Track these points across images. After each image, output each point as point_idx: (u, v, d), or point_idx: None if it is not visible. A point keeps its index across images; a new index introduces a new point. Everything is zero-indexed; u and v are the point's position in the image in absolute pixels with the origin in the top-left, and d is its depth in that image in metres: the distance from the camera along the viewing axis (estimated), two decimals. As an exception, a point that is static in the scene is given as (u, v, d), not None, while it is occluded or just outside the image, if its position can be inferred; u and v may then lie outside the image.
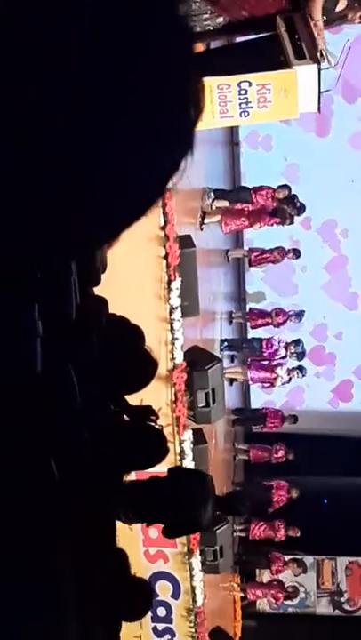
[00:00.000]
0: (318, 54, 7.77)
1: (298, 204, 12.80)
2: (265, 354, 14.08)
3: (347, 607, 16.92)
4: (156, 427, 4.08)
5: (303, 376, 14.43)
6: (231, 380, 14.33)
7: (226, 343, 13.74)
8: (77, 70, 0.77)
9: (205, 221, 11.43)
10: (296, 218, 13.13)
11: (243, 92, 7.74)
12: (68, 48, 0.77)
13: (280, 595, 14.80)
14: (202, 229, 11.27)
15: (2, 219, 0.82)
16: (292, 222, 12.98)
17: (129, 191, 0.87)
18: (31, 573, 1.58)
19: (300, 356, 14.30)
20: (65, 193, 0.81)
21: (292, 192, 12.80)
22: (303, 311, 14.41)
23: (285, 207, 12.55)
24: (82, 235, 0.88)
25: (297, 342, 14.09)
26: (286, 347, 13.90)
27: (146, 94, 0.82)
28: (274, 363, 14.09)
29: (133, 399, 8.32)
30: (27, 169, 0.79)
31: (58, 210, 0.83)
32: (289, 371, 14.10)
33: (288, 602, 15.80)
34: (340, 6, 8.01)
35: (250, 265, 14.53)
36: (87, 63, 0.78)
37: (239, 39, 9.15)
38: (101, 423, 3.51)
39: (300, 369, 14.23)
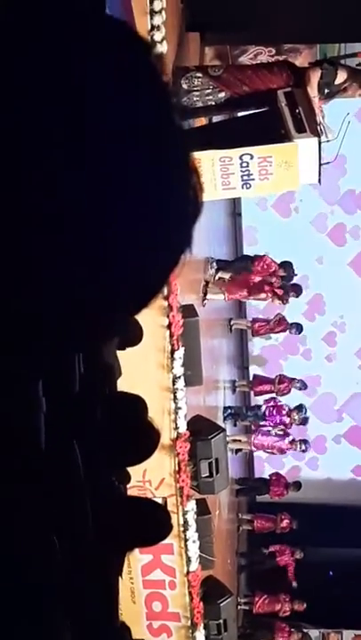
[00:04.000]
0: (318, 128, 7.93)
1: (296, 287, 12.96)
2: (268, 421, 14.00)
3: None
4: (159, 501, 4.05)
5: (305, 451, 14.37)
6: (236, 451, 14.26)
7: (230, 410, 13.70)
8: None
9: (208, 297, 11.50)
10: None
11: (245, 164, 7.87)
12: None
13: None
14: (204, 305, 11.33)
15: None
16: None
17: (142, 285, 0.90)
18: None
19: (304, 421, 14.23)
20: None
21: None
22: (305, 384, 14.41)
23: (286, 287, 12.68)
24: (94, 323, 0.90)
25: (300, 408, 14.02)
26: (289, 413, 13.83)
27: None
28: (278, 431, 14.01)
29: (136, 470, 8.31)
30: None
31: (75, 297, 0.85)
32: (291, 443, 14.03)
33: None
34: (340, 79, 8.20)
35: (253, 335, 14.56)
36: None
37: (241, 113, 9.35)
38: (105, 499, 3.50)
39: (305, 442, 14.17)
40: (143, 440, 3.60)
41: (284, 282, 12.73)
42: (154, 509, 3.84)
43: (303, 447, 14.19)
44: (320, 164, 7.98)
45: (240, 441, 13.97)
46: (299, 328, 14.01)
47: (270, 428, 14.03)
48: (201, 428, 9.04)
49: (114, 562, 3.61)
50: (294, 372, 14.87)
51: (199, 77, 7.97)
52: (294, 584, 14.60)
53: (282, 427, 13.99)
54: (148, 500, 3.93)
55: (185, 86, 7.91)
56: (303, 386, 14.20)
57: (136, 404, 3.79)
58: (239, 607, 14.22)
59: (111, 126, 0.81)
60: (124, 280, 0.87)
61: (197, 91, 7.97)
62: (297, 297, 13.05)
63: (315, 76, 7.92)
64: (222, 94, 7.87)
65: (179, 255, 0.92)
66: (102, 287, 0.85)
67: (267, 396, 14.27)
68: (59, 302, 0.84)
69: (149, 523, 3.64)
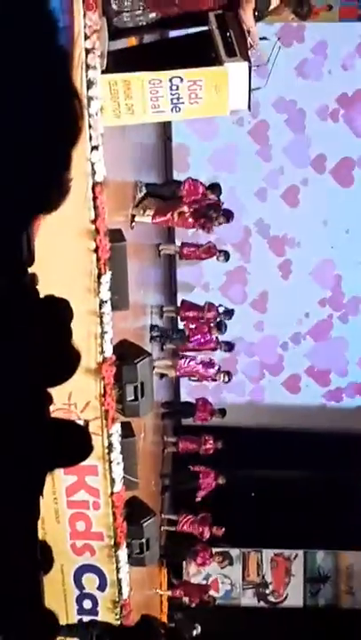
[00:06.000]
0: (249, 51, 7.86)
1: (225, 211, 12.90)
2: (192, 342, 14.07)
3: (271, 599, 17.18)
4: (81, 423, 4.08)
5: (228, 381, 14.53)
6: (161, 375, 14.38)
7: (156, 330, 13.77)
8: None
9: (136, 219, 11.44)
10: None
11: (174, 87, 7.78)
12: None
13: (196, 599, 14.89)
14: (132, 228, 11.28)
15: None
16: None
17: None
18: None
19: (229, 347, 14.35)
20: None
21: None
22: (233, 310, 14.49)
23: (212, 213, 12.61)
24: None
25: (219, 325, 14.10)
26: (210, 330, 13.95)
27: None
28: (203, 357, 14.14)
29: (62, 393, 8.35)
30: None
31: None
32: (216, 373, 14.20)
33: (214, 593, 15.95)
34: (274, 3, 8.11)
35: (180, 258, 14.58)
36: None
37: (172, 34, 9.22)
38: (28, 414, 3.51)
39: (228, 374, 14.35)
40: (65, 360, 3.60)
41: (212, 206, 12.68)
42: (75, 431, 3.87)
43: (227, 379, 14.36)
44: (250, 90, 7.93)
45: (166, 366, 14.08)
46: (226, 256, 14.04)
47: (195, 354, 14.14)
48: (127, 353, 9.09)
49: (35, 481, 3.65)
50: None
51: (130, -3, 7.80)
52: (198, 499, 14.83)
53: (207, 350, 14.10)
54: (69, 422, 3.95)
55: (115, 7, 7.74)
56: (229, 316, 14.29)
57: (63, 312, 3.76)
58: (163, 527, 14.53)
59: None
60: None
61: (128, 11, 7.81)
62: (228, 222, 13.03)
63: (249, 7, 7.81)
64: (153, 15, 7.72)
65: None
66: None
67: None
68: None
69: (70, 444, 3.67)
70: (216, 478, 14.76)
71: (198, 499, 14.79)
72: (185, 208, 12.32)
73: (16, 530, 3.39)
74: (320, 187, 15.98)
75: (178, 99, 7.89)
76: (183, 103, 7.93)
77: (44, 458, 3.58)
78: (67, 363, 3.70)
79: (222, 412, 14.83)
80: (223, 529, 14.52)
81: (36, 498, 3.78)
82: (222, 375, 14.27)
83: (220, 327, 13.99)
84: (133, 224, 11.32)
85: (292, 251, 16.50)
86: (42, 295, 3.94)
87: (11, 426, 3.36)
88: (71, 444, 3.72)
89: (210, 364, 14.17)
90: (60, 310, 3.69)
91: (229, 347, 14.41)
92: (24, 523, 3.47)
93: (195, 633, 12.51)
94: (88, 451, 3.78)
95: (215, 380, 14.51)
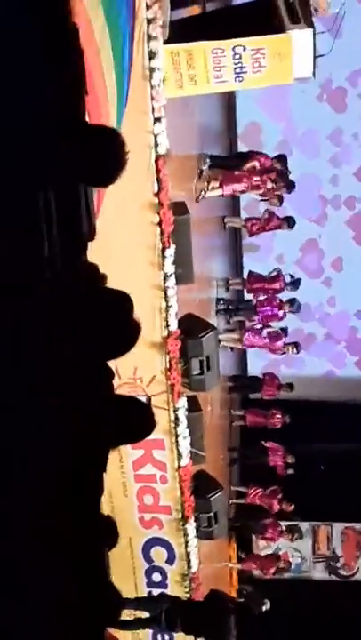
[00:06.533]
0: (313, 17, 7.70)
1: (289, 182, 12.74)
2: (260, 315, 13.89)
3: (342, 572, 17.07)
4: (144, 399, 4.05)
5: (297, 353, 14.28)
6: (231, 348, 14.29)
7: (222, 303, 13.66)
8: None
9: (205, 194, 11.34)
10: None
11: (237, 56, 7.66)
12: None
13: (272, 569, 14.85)
14: (198, 201, 11.19)
15: None
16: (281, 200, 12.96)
17: None
18: None
19: (298, 308, 14.08)
20: None
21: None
22: (300, 279, 14.29)
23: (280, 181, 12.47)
24: None
25: (292, 302, 13.93)
26: (281, 305, 13.74)
27: None
28: (270, 330, 13.96)
29: (127, 367, 8.34)
30: None
31: None
32: (285, 345, 13.98)
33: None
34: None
35: (249, 236, 14.42)
36: None
37: (235, 2, 9.07)
38: (89, 389, 3.49)
39: (296, 345, 14.09)
40: (124, 334, 3.58)
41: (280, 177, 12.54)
42: (138, 407, 3.85)
43: (295, 350, 14.12)
44: (315, 57, 7.78)
45: (233, 339, 13.97)
46: (292, 222, 13.81)
47: (261, 326, 13.97)
48: (192, 326, 9.03)
49: (97, 458, 3.64)
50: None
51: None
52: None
53: (274, 322, 13.92)
54: (131, 399, 3.92)
55: (176, -25, 7.65)
56: (295, 286, 14.09)
57: (122, 298, 3.76)
58: (231, 501, 14.50)
59: None
60: None
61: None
62: (288, 193, 12.86)
63: None
64: (214, -17, 7.61)
65: None
66: None
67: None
68: None
69: (133, 420, 3.66)
70: (285, 456, 14.63)
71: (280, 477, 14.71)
72: (253, 178, 12.20)
73: (78, 507, 3.38)
74: None
75: (241, 68, 7.78)
76: (246, 72, 7.82)
77: (106, 434, 3.57)
78: (127, 335, 3.68)
79: (290, 386, 14.68)
80: (293, 505, 14.42)
81: (98, 475, 3.77)
82: (291, 347, 14.06)
83: (293, 303, 13.78)
84: (202, 197, 11.22)
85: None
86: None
87: (71, 400, 3.34)
88: (133, 420, 3.70)
89: (277, 336, 13.97)
90: (120, 292, 3.68)
91: (297, 306, 14.09)
92: (86, 500, 3.46)
93: (264, 608, 12.48)
94: (150, 427, 3.76)
95: (284, 353, 14.30)
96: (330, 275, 16.74)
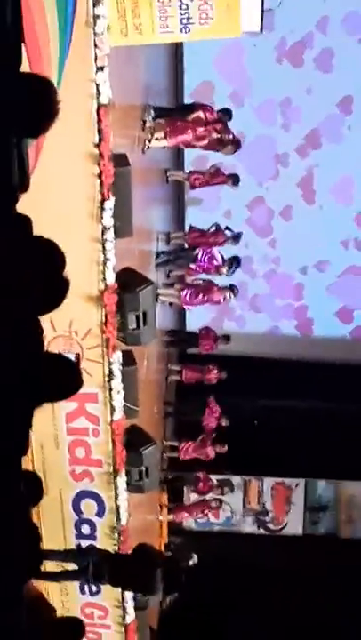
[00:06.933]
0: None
1: (235, 139, 12.59)
2: (200, 264, 13.79)
3: (271, 526, 17.36)
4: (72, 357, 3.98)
5: (235, 295, 14.13)
6: (170, 304, 14.23)
7: (163, 255, 13.57)
8: None
9: (150, 145, 11.18)
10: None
11: (184, 6, 7.51)
12: None
13: (207, 511, 15.08)
14: (144, 152, 11.03)
15: None
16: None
17: None
18: None
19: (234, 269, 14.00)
20: None
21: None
22: (240, 233, 14.25)
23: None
24: None
25: (232, 261, 13.86)
26: (219, 267, 13.67)
27: None
28: (206, 285, 13.86)
29: (63, 320, 8.24)
30: None
31: None
32: (219, 289, 13.88)
33: (214, 520, 16.14)
34: None
35: (191, 188, 14.31)
36: None
37: None
38: (15, 345, 3.41)
39: (232, 288, 13.97)
40: (52, 290, 3.49)
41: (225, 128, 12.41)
42: (65, 365, 3.78)
43: (232, 294, 13.93)
44: (263, 11, 7.67)
45: (172, 294, 13.91)
46: (236, 179, 13.74)
47: (197, 277, 13.86)
48: (130, 280, 8.94)
49: (23, 411, 3.57)
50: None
51: None
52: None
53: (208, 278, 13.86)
54: (59, 356, 3.85)
55: None
56: (236, 240, 14.06)
57: (51, 255, 3.66)
58: (165, 454, 14.59)
59: None
60: None
61: None
62: (234, 152, 12.75)
63: None
64: None
65: None
66: None
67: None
68: None
69: (59, 378, 3.59)
70: (219, 419, 14.73)
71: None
72: (200, 129, 12.05)
73: (1, 462, 3.33)
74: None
75: (188, 18, 7.64)
76: (193, 24, 7.69)
77: (30, 391, 3.50)
78: (55, 291, 3.60)
79: (226, 337, 14.73)
80: (226, 446, 14.52)
81: (23, 431, 3.71)
82: (228, 293, 13.92)
83: (232, 263, 13.72)
84: (147, 148, 11.07)
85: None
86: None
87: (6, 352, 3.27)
88: (60, 378, 3.64)
89: (210, 285, 13.84)
90: (50, 247, 3.58)
91: (236, 262, 14.01)
92: (6, 455, 3.41)
93: (191, 562, 12.62)
94: (76, 386, 3.70)
95: (224, 299, 14.07)
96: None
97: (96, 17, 6.99)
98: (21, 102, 3.06)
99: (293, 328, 17.33)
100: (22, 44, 3.70)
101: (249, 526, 17.32)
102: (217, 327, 15.51)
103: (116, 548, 9.67)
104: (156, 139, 11.46)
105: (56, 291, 3.51)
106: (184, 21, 7.65)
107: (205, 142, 12.30)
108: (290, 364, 16.79)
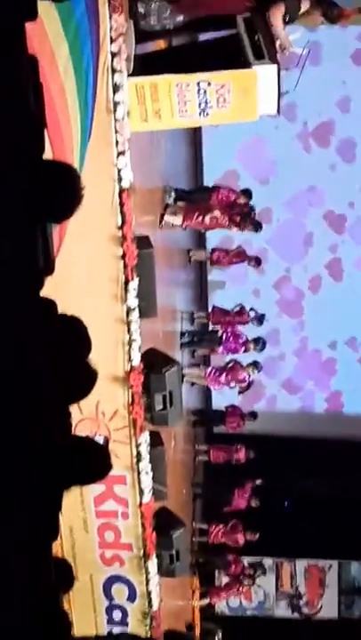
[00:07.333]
0: (279, 53, 7.74)
1: (254, 220, 12.76)
2: (227, 345, 13.76)
3: (305, 610, 16.95)
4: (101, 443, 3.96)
5: (259, 372, 14.04)
6: (192, 383, 14.20)
7: (186, 336, 13.59)
8: None
9: (166, 219, 11.33)
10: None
11: (202, 91, 7.67)
12: None
13: (241, 588, 14.78)
14: (161, 228, 11.16)
15: None
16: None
17: None
18: None
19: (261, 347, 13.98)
20: None
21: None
22: (263, 315, 14.28)
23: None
24: None
25: (257, 341, 13.88)
26: (246, 344, 13.64)
27: None
28: (231, 364, 13.83)
29: (89, 402, 8.23)
30: None
31: None
32: (245, 368, 13.80)
33: (246, 604, 15.79)
34: (304, 7, 7.99)
35: (211, 264, 14.43)
36: None
37: (201, 38, 9.10)
38: (44, 432, 3.40)
39: (255, 365, 13.90)
40: (82, 377, 3.51)
41: (246, 211, 12.56)
42: (93, 449, 3.76)
43: (256, 371, 13.84)
44: (279, 94, 7.81)
45: (197, 375, 13.89)
46: (258, 261, 13.88)
47: (225, 364, 13.86)
48: (155, 361, 8.97)
49: (52, 497, 3.54)
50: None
51: (156, 1, 7.70)
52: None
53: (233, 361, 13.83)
54: (87, 440, 3.83)
55: (142, 10, 7.66)
56: (260, 321, 14.07)
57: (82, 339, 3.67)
58: (194, 538, 14.38)
59: None
60: None
61: (154, 14, 7.72)
62: (256, 232, 12.90)
63: (279, 11, 7.68)
64: (180, 18, 7.62)
65: None
66: None
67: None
68: None
69: (88, 463, 3.57)
70: (249, 501, 14.56)
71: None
72: (217, 212, 12.19)
73: (30, 550, 3.29)
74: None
75: (206, 103, 7.78)
76: (212, 107, 7.83)
77: (59, 476, 3.47)
78: (83, 381, 3.61)
79: (253, 415, 14.60)
80: (258, 534, 14.32)
81: (53, 516, 3.67)
82: (251, 369, 13.81)
83: (258, 342, 13.71)
84: (162, 224, 11.21)
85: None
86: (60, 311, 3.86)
87: (25, 443, 3.26)
88: (89, 462, 3.62)
89: (236, 367, 13.79)
90: (76, 328, 3.60)
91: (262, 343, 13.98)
92: (39, 541, 3.36)
93: (216, 638, 12.34)
94: (106, 470, 3.67)
95: (249, 377, 13.99)
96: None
97: (116, 103, 7.15)
98: (46, 190, 3.12)
99: (323, 406, 17.22)
100: (45, 130, 3.80)
101: (283, 610, 16.90)
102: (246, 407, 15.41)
103: (149, 634, 9.47)
104: (173, 218, 11.61)
105: (84, 381, 3.53)
106: (202, 106, 7.80)
107: (224, 223, 12.43)
108: (320, 443, 16.62)
